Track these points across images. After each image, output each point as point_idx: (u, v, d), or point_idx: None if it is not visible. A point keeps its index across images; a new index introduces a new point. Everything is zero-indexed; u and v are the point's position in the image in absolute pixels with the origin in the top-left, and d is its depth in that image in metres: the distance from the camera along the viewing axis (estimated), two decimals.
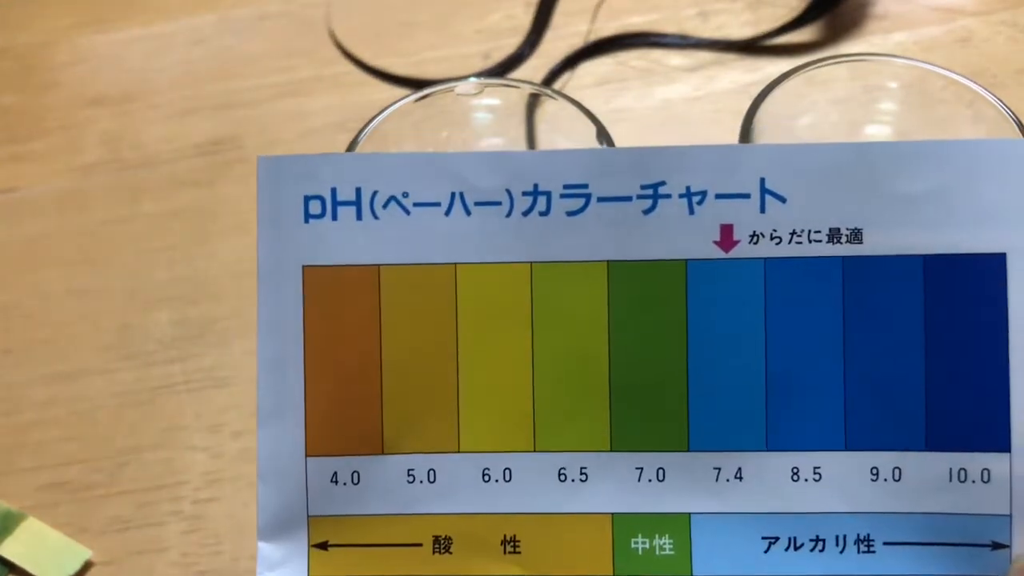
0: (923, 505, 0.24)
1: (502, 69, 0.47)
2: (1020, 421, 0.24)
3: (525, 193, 0.25)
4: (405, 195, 0.25)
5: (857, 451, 0.24)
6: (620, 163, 0.24)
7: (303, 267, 0.25)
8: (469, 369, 0.25)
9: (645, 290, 0.25)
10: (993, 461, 0.24)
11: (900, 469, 0.24)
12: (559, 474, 0.25)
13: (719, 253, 0.24)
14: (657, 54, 0.48)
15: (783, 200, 0.24)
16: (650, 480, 0.25)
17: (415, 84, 0.47)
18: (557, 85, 0.47)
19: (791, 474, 0.24)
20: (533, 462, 0.25)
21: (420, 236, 0.25)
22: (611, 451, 0.25)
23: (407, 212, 0.25)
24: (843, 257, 0.24)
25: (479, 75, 0.46)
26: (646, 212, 0.24)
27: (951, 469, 0.24)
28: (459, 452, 0.25)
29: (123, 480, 0.37)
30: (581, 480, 0.25)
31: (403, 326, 0.25)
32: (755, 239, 0.24)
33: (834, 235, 0.24)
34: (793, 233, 0.24)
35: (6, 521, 0.35)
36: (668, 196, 0.24)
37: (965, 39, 0.47)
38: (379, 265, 0.25)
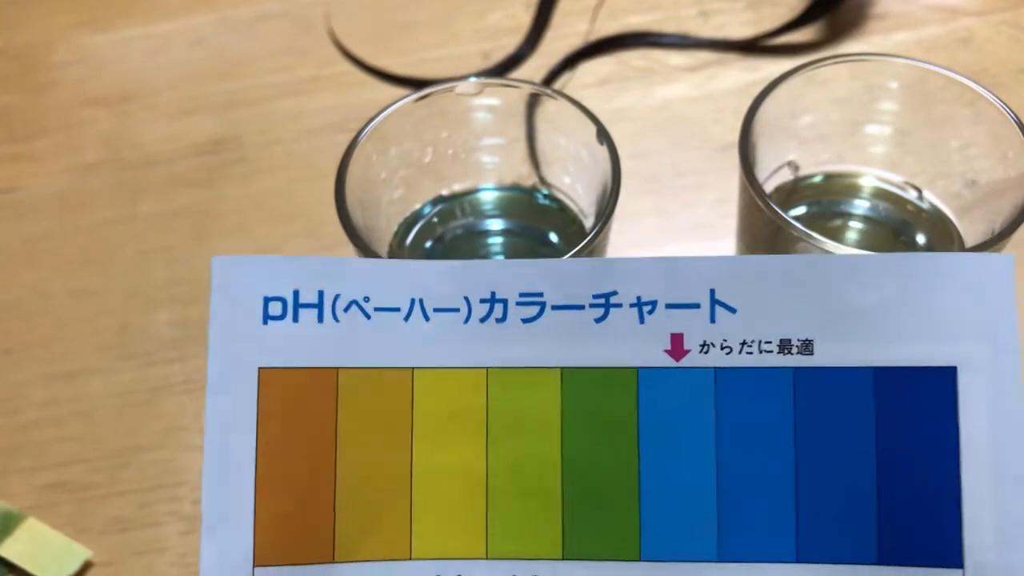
0: None
1: (502, 69, 0.47)
2: (972, 537, 0.23)
3: (482, 300, 0.25)
4: (367, 299, 0.25)
5: (808, 563, 0.24)
6: (574, 273, 0.25)
7: (259, 369, 0.25)
8: (424, 473, 0.25)
9: (597, 397, 0.25)
10: None
11: None
12: None
13: (670, 362, 0.25)
14: (657, 54, 0.48)
15: (733, 311, 0.24)
16: None
17: (415, 84, 0.47)
18: (557, 85, 0.47)
19: None
20: (486, 569, 0.25)
21: (379, 340, 0.25)
22: (563, 559, 0.25)
23: (368, 316, 0.25)
24: (794, 368, 0.24)
25: (479, 75, 0.46)
26: (598, 320, 0.25)
27: None
28: (411, 559, 0.25)
29: (123, 480, 0.37)
30: None
31: (359, 430, 0.25)
32: (705, 349, 0.24)
33: (785, 346, 0.24)
34: (744, 343, 0.24)
35: (6, 521, 0.35)
36: (619, 305, 0.25)
37: (966, 39, 0.47)
38: (338, 368, 0.25)
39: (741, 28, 0.48)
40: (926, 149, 0.34)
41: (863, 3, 0.48)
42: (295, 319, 0.25)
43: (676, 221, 0.42)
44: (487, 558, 0.25)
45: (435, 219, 0.36)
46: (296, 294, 0.25)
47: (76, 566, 0.34)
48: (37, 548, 0.35)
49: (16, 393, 0.39)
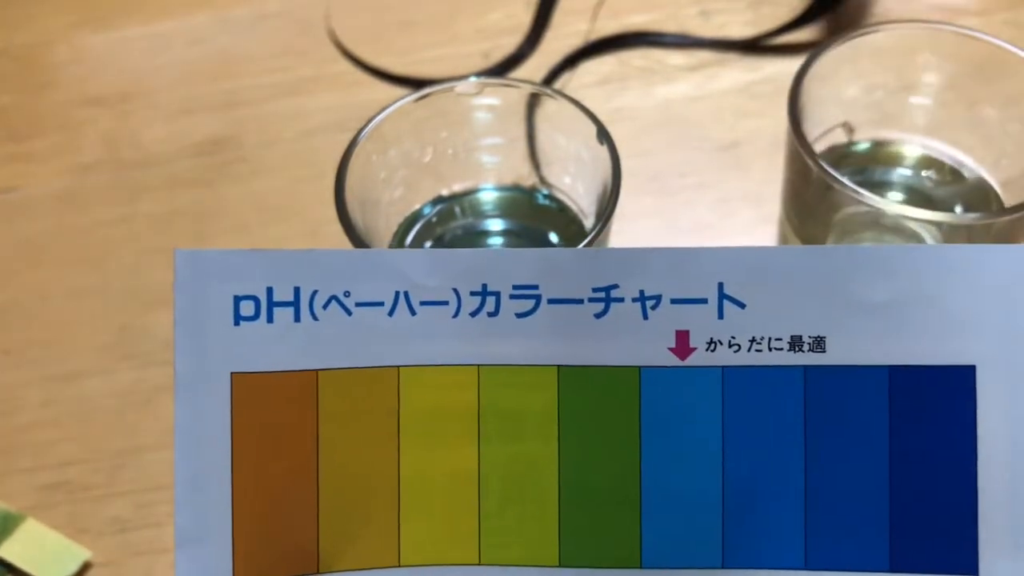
0: None
1: (502, 68, 0.47)
2: (988, 543, 0.23)
3: (473, 293, 0.23)
4: (347, 294, 0.23)
5: (818, 570, 0.23)
6: (571, 264, 0.23)
7: (232, 374, 0.23)
8: (411, 477, 0.24)
9: (597, 397, 0.23)
10: None
11: None
12: None
13: (674, 360, 0.23)
14: (658, 53, 0.48)
15: (742, 306, 0.23)
16: None
17: (415, 84, 0.46)
18: (557, 84, 0.47)
19: None
20: None
21: (362, 338, 0.23)
22: (560, 566, 0.24)
23: (348, 313, 0.23)
24: (805, 367, 0.23)
25: (479, 74, 0.46)
26: (598, 316, 0.23)
27: None
28: (399, 567, 0.24)
29: (122, 481, 0.37)
30: None
31: (342, 434, 0.24)
32: (712, 346, 0.23)
33: (796, 343, 0.23)
34: (753, 341, 0.23)
35: (6, 522, 0.35)
36: (621, 300, 0.23)
37: None
38: (317, 370, 0.24)
39: (741, 28, 0.48)
40: (971, 119, 0.34)
41: (864, 2, 0.48)
42: (269, 319, 0.23)
43: (676, 221, 0.42)
44: (480, 564, 0.24)
45: (435, 219, 0.36)
46: (270, 291, 0.23)
47: (75, 567, 0.34)
48: (36, 549, 0.35)
49: (15, 393, 0.39)
